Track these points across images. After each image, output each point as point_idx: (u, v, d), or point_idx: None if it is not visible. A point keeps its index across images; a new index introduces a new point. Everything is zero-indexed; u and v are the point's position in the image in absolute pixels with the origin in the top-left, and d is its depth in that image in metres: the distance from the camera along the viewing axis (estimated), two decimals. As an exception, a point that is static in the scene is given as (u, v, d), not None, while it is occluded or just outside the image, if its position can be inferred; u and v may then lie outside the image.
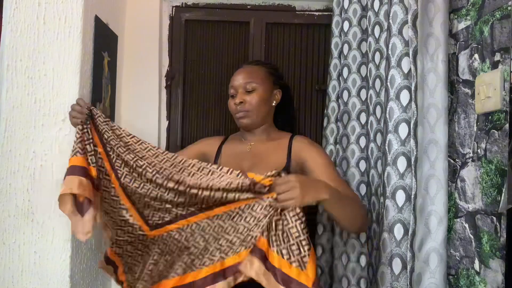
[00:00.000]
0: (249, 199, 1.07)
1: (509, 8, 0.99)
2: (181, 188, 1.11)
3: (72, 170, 1.15)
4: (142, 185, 1.16)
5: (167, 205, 1.15)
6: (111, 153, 1.20)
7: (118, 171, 1.18)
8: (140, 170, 1.16)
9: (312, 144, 1.33)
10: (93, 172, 1.17)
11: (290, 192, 1.01)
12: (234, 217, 1.09)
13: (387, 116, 1.24)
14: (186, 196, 1.12)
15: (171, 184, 1.13)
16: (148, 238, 1.18)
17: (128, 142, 1.21)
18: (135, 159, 1.18)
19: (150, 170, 1.15)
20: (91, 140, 1.19)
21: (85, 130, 1.19)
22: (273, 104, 1.38)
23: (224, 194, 1.08)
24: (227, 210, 1.09)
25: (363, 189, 1.48)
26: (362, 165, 1.49)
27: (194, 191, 1.10)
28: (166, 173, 1.14)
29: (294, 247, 1.01)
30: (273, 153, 1.31)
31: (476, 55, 1.12)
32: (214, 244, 1.11)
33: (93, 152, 1.19)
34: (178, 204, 1.14)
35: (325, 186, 1.09)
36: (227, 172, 1.11)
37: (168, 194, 1.14)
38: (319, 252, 1.56)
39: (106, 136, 1.20)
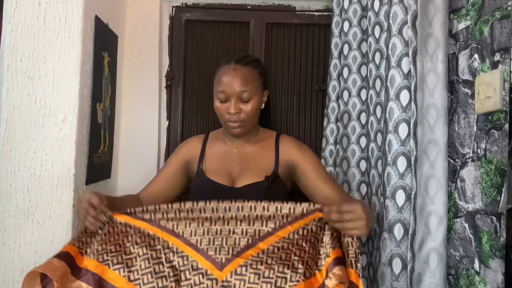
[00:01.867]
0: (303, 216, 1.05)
1: (509, 8, 0.99)
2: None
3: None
4: (200, 223, 1.07)
5: (237, 231, 1.07)
6: (146, 216, 1.09)
7: (165, 227, 1.08)
8: (195, 207, 1.07)
9: (299, 146, 1.31)
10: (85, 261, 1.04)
11: (357, 222, 0.98)
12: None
13: (387, 116, 1.24)
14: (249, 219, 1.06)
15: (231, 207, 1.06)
16: (219, 282, 1.04)
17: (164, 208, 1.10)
18: (182, 206, 1.08)
19: (210, 202, 1.07)
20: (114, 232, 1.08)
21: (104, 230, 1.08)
22: (262, 107, 1.31)
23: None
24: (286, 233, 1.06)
25: (363, 189, 1.48)
26: (363, 165, 1.49)
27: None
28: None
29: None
30: (261, 157, 1.28)
31: (476, 55, 1.12)
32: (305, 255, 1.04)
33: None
34: (247, 230, 1.06)
35: (373, 213, 1.08)
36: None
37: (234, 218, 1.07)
38: (319, 252, 1.56)
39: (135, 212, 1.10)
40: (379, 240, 1.25)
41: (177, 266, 1.07)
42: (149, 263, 1.06)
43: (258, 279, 1.02)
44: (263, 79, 1.30)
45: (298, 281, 1.00)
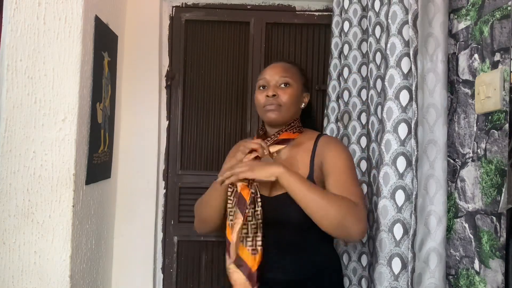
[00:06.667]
0: None
1: (509, 8, 0.99)
2: None
3: None
4: None
5: None
6: None
7: None
8: None
9: (332, 145, 1.25)
10: None
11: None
12: None
13: (384, 116, 1.24)
14: None
15: None
16: None
17: None
18: None
19: None
20: None
21: None
22: (302, 106, 1.33)
23: None
24: None
25: (364, 189, 1.48)
26: (363, 165, 1.49)
27: None
28: None
29: None
30: (296, 163, 1.26)
31: (476, 55, 1.12)
32: None
33: None
34: None
35: (278, 169, 1.14)
36: None
37: None
38: (319, 252, 1.56)
39: None
40: (375, 240, 1.25)
41: None
42: None
43: None
44: (304, 79, 1.35)
45: None
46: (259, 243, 1.14)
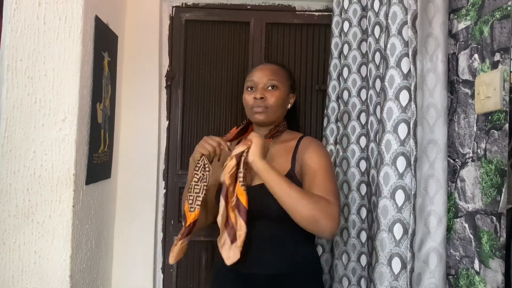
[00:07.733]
0: None
1: (509, 8, 0.99)
2: None
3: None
4: None
5: None
6: None
7: None
8: None
9: (313, 146, 1.30)
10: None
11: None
12: None
13: (384, 116, 1.24)
14: None
15: None
16: None
17: None
18: None
19: None
20: None
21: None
22: (288, 107, 1.38)
23: None
24: None
25: (363, 189, 1.48)
26: (363, 165, 1.49)
27: None
28: None
29: None
30: (279, 158, 1.31)
31: (476, 55, 1.12)
32: None
33: None
34: None
35: (259, 157, 1.18)
36: None
37: None
38: (319, 251, 1.56)
39: None
40: (375, 240, 1.25)
41: None
42: None
43: None
44: (291, 81, 1.39)
45: None
46: (198, 203, 1.23)
